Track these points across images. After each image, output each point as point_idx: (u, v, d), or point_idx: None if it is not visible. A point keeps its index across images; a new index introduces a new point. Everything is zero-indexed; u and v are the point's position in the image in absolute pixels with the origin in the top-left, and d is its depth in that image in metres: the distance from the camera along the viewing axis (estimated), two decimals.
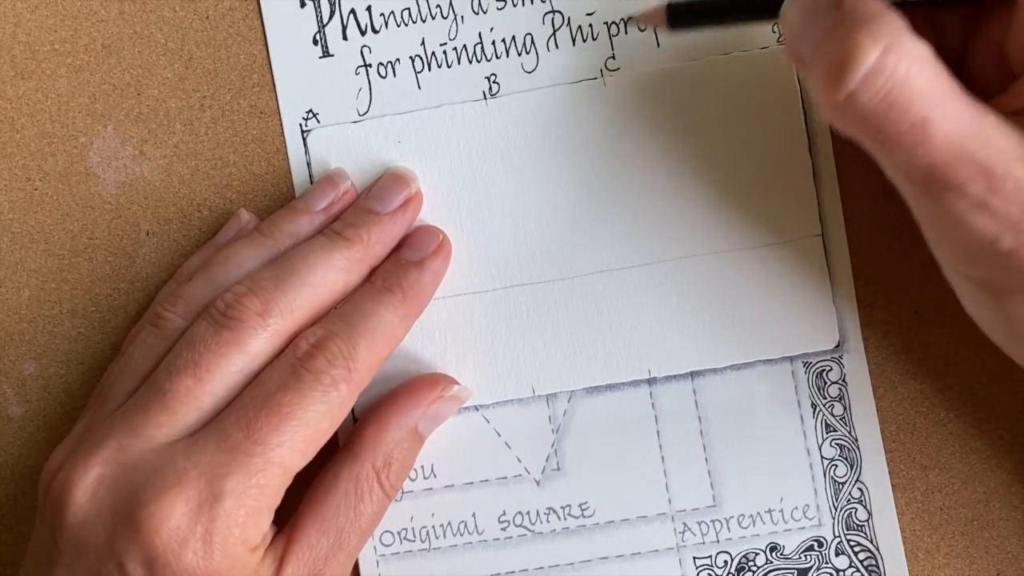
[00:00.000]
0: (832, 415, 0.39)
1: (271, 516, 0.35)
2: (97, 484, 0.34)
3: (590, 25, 0.39)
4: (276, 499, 0.35)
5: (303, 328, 0.36)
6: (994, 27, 0.32)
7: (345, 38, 0.40)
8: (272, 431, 0.34)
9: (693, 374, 0.40)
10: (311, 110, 0.40)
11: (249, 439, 0.34)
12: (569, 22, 0.39)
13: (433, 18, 0.39)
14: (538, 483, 0.40)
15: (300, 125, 0.40)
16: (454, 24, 0.39)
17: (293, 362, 0.35)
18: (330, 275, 0.37)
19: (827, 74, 0.29)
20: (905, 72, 0.28)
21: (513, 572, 0.40)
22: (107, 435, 0.35)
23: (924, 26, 0.32)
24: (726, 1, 0.35)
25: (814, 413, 0.39)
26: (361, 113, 0.40)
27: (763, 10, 0.34)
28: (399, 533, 0.40)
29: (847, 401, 0.39)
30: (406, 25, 0.39)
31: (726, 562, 0.40)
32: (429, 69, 0.40)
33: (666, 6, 0.36)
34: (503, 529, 0.40)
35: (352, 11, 0.39)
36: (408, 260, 0.38)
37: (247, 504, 0.34)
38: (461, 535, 0.40)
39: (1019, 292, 0.30)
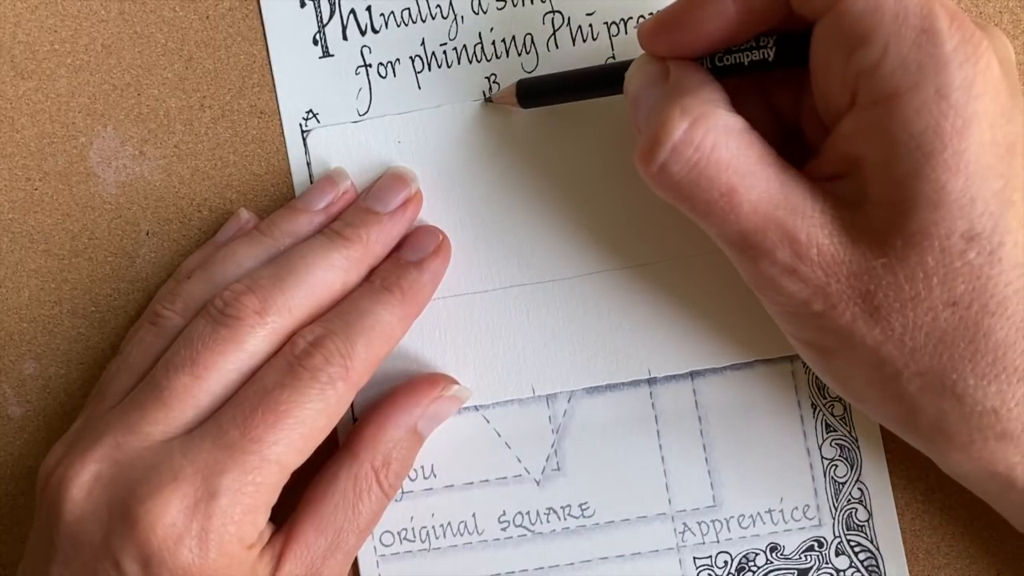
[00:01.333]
0: (832, 415, 0.39)
1: (268, 514, 0.35)
2: (93, 481, 0.34)
3: (590, 25, 0.39)
4: (273, 497, 0.35)
5: (301, 327, 0.36)
6: (809, 89, 0.33)
7: (345, 38, 0.40)
8: (269, 429, 0.34)
9: (693, 374, 0.40)
10: (311, 110, 0.40)
11: (245, 437, 0.34)
12: (569, 22, 0.39)
13: (433, 18, 0.39)
14: (538, 483, 0.40)
15: (300, 125, 0.40)
16: (454, 24, 0.39)
17: (290, 360, 0.35)
18: (329, 274, 0.37)
19: (643, 144, 0.31)
20: (711, 143, 0.30)
21: (513, 572, 0.40)
22: (104, 432, 0.35)
23: (755, 92, 0.34)
24: (572, 79, 0.37)
25: (814, 413, 0.39)
26: (361, 113, 0.40)
27: (608, 85, 0.36)
28: (399, 533, 0.40)
29: (847, 401, 0.39)
30: (406, 25, 0.39)
31: (726, 562, 0.40)
32: (429, 69, 0.40)
33: (516, 85, 0.37)
34: (503, 529, 0.40)
35: (352, 11, 0.39)
36: (407, 260, 0.38)
37: (243, 502, 0.34)
38: (461, 535, 0.40)
39: (838, 353, 0.32)
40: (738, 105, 0.33)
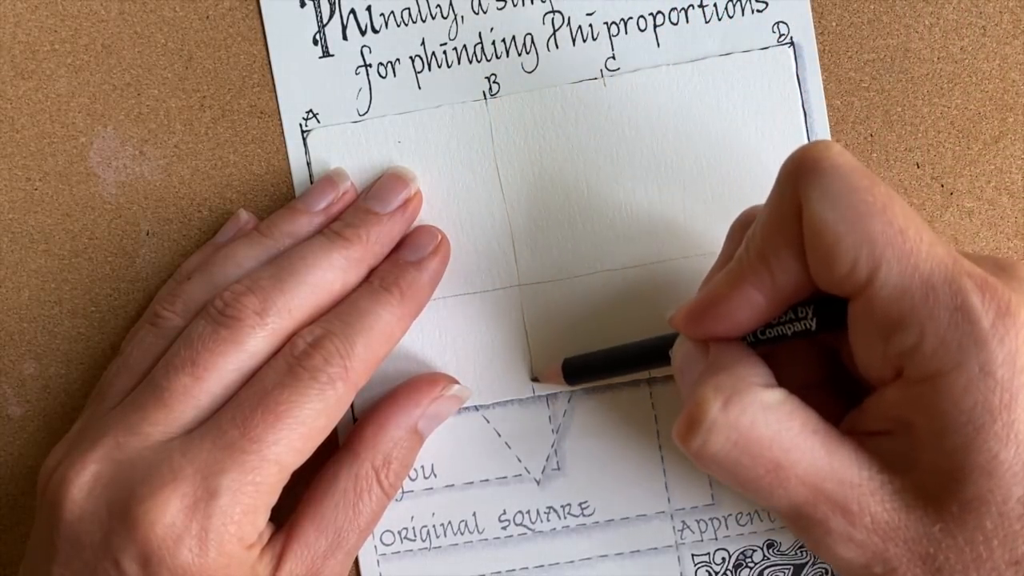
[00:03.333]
0: None
1: (267, 514, 0.35)
2: (94, 481, 0.34)
3: (590, 25, 0.39)
4: (273, 497, 0.35)
5: (301, 327, 0.36)
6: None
7: (345, 38, 0.39)
8: (268, 429, 0.34)
9: None
10: (311, 110, 0.40)
11: (245, 436, 0.34)
12: (569, 22, 0.39)
13: (433, 18, 0.39)
14: (538, 483, 0.40)
15: (300, 125, 0.40)
16: (454, 24, 0.39)
17: (290, 360, 0.35)
18: (329, 275, 0.37)
19: (681, 424, 0.31)
20: (749, 422, 0.30)
21: (513, 571, 0.40)
22: (104, 433, 0.35)
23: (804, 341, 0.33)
24: (617, 357, 0.38)
25: None
26: (361, 113, 0.40)
27: (652, 360, 0.37)
28: (400, 532, 0.40)
29: None
30: (406, 25, 0.39)
31: (724, 559, 0.40)
32: (429, 69, 0.39)
33: (562, 364, 0.38)
34: (503, 528, 0.40)
35: (352, 11, 0.39)
36: (407, 260, 0.38)
37: (243, 501, 0.34)
38: (461, 534, 0.40)
39: None
40: (782, 347, 0.33)
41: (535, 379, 0.40)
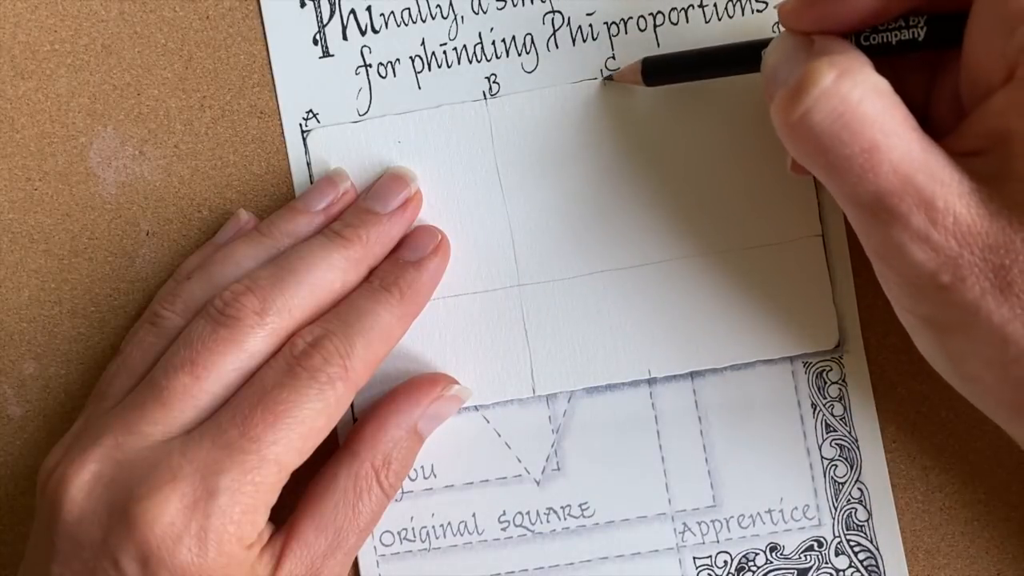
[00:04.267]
0: (832, 415, 0.39)
1: (267, 514, 0.35)
2: (93, 481, 0.34)
3: (590, 25, 0.39)
4: (272, 496, 0.35)
5: (301, 327, 0.36)
6: (950, 74, 0.33)
7: (345, 38, 0.40)
8: (268, 428, 0.34)
9: (693, 374, 0.40)
10: (311, 110, 0.40)
11: (244, 436, 0.34)
12: (569, 22, 0.39)
13: (433, 18, 0.39)
14: (538, 483, 0.40)
15: (300, 125, 0.40)
16: (454, 24, 0.39)
17: (290, 360, 0.35)
18: (328, 275, 0.37)
19: (786, 94, 0.30)
20: (859, 97, 0.29)
21: (513, 572, 0.40)
22: (104, 432, 0.35)
23: (884, 71, 0.32)
24: (702, 56, 0.37)
25: (814, 413, 0.39)
26: (361, 113, 0.40)
27: (739, 63, 0.36)
28: (399, 533, 0.40)
29: (847, 401, 0.39)
30: (406, 25, 0.39)
31: (726, 562, 0.40)
32: (429, 69, 0.40)
33: (641, 62, 0.36)
34: (503, 529, 0.40)
35: (352, 11, 0.39)
36: (406, 260, 0.38)
37: (242, 501, 0.34)
38: (461, 535, 0.40)
39: (959, 330, 0.31)
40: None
41: (609, 78, 0.39)
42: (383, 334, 0.37)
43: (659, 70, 0.38)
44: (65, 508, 0.34)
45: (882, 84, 0.30)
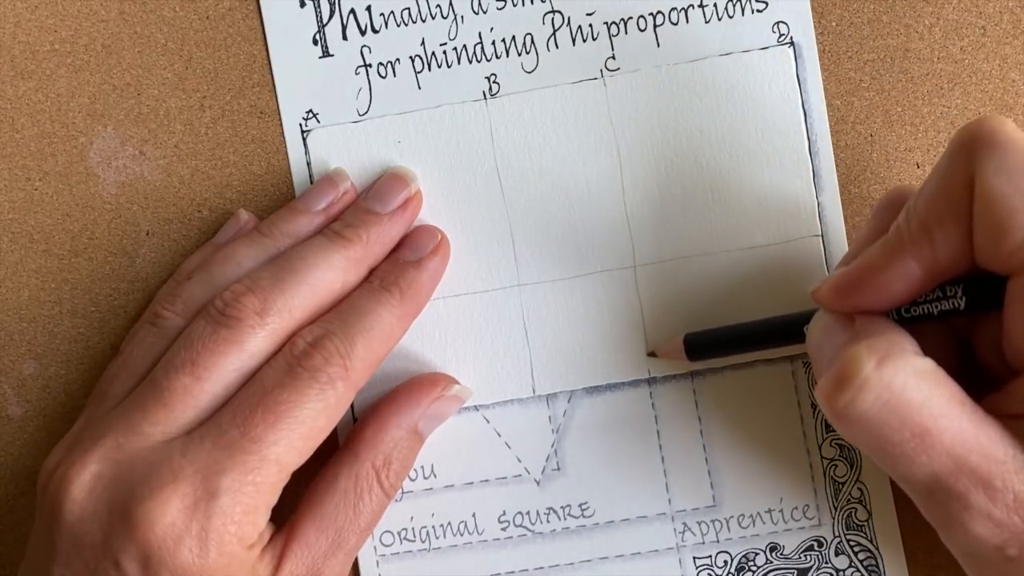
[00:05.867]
0: None
1: (268, 514, 0.35)
2: (94, 481, 0.34)
3: (590, 25, 0.39)
4: (273, 497, 0.35)
5: (301, 327, 0.36)
6: (994, 322, 0.33)
7: (345, 38, 0.39)
8: (268, 428, 0.34)
9: (693, 374, 0.40)
10: (311, 110, 0.40)
11: (245, 436, 0.34)
12: (569, 22, 0.39)
13: (433, 18, 0.39)
14: (538, 483, 0.40)
15: (300, 125, 0.40)
16: (454, 24, 0.39)
17: (290, 360, 0.35)
18: (329, 274, 0.37)
19: (830, 382, 0.30)
20: (902, 384, 0.29)
21: (513, 572, 0.40)
22: (105, 433, 0.35)
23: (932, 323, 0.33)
24: (745, 333, 0.37)
25: (814, 413, 0.39)
26: (361, 113, 0.40)
27: (782, 338, 0.36)
28: (399, 533, 0.40)
29: None
30: (406, 25, 0.39)
31: (726, 562, 0.40)
32: (429, 69, 0.40)
33: (683, 340, 0.38)
34: (503, 529, 0.40)
35: (352, 11, 0.39)
36: (406, 260, 0.38)
37: (243, 501, 0.34)
38: (461, 535, 0.40)
39: None
40: (917, 329, 0.32)
41: (652, 354, 0.39)
42: (383, 334, 0.37)
43: (702, 347, 0.38)
44: (66, 508, 0.34)
45: (923, 365, 0.30)
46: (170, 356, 0.36)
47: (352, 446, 0.38)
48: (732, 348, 0.38)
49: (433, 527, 0.40)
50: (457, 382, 0.39)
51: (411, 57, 0.40)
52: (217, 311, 0.36)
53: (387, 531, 0.40)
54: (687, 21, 0.39)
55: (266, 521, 0.35)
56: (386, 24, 0.39)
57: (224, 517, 0.33)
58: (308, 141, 0.40)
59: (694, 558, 0.40)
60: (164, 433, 0.35)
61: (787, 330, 0.36)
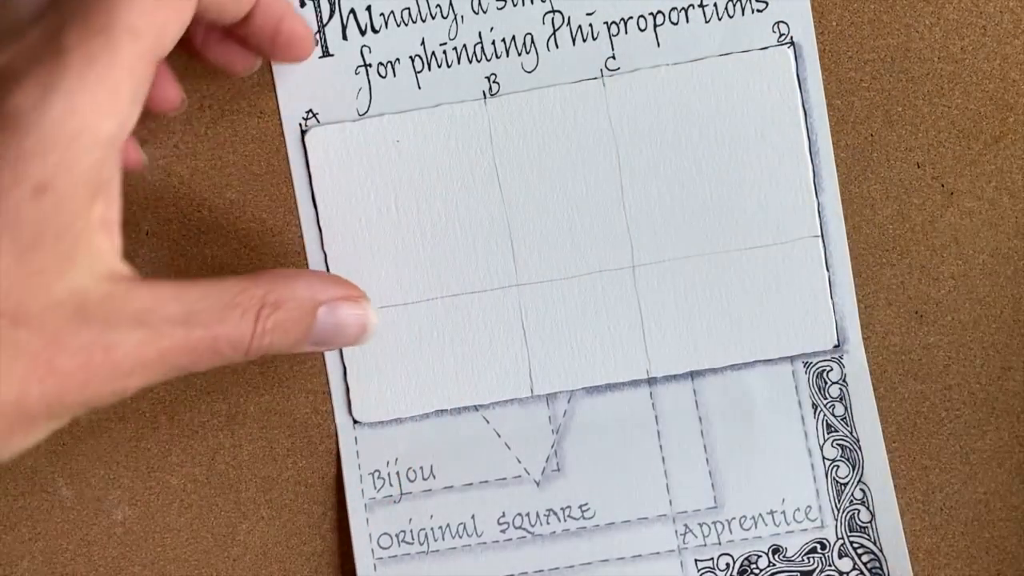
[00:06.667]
0: (833, 415, 0.39)
1: (132, 115, 0.30)
2: None
3: (590, 25, 0.39)
4: (134, 84, 0.30)
5: None
6: None
7: (345, 38, 0.40)
8: None
9: (693, 374, 0.40)
10: (311, 110, 0.40)
11: None
12: (569, 22, 0.39)
13: (433, 18, 0.39)
14: (538, 484, 0.40)
15: (300, 125, 0.40)
16: (454, 24, 0.39)
17: None
18: None
19: None
20: None
21: (512, 575, 0.40)
22: None
23: None
24: None
25: (815, 413, 0.39)
26: (361, 113, 0.40)
27: None
28: (397, 535, 0.40)
29: (848, 401, 0.39)
30: (406, 25, 0.40)
31: (728, 564, 0.40)
32: (429, 69, 0.40)
33: None
34: (502, 531, 0.40)
35: (352, 11, 0.39)
36: None
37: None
38: (460, 537, 0.40)
39: None
40: None
41: None
42: None
43: None
44: None
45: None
46: None
47: (260, 274, 0.34)
48: None
49: (432, 529, 0.40)
50: (372, 315, 0.36)
51: (411, 57, 0.40)
52: None
53: (385, 533, 0.40)
54: (687, 21, 0.39)
55: (129, 124, 0.30)
56: (386, 24, 0.39)
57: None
58: (307, 141, 0.40)
59: (695, 560, 0.40)
60: None
61: None
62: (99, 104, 0.29)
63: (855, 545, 0.39)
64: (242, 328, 0.32)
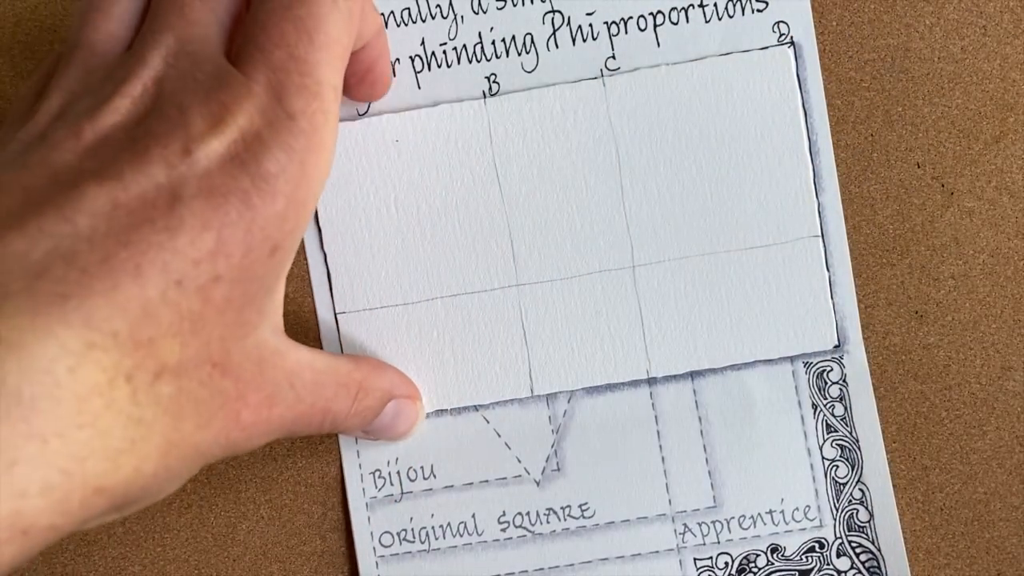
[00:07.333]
0: (833, 415, 0.39)
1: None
2: None
3: (590, 25, 0.39)
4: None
5: None
6: None
7: None
8: (310, 48, 0.30)
9: (693, 374, 0.40)
10: None
11: (292, 58, 0.30)
12: (569, 22, 0.39)
13: (433, 18, 0.39)
14: (538, 483, 0.40)
15: None
16: (454, 24, 0.39)
17: None
18: None
19: None
20: None
21: (513, 573, 0.40)
22: None
23: None
24: None
25: (815, 413, 0.39)
26: (360, 112, 0.40)
27: None
28: (398, 534, 0.40)
29: (848, 401, 0.39)
30: (406, 25, 0.39)
31: (727, 563, 0.40)
32: (429, 69, 0.40)
33: None
34: (503, 530, 0.40)
35: None
36: None
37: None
38: (460, 536, 0.40)
39: None
40: None
41: None
42: None
43: None
44: None
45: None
46: None
47: (359, 359, 0.37)
48: None
49: (432, 528, 0.40)
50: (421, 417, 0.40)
51: (411, 56, 0.40)
52: None
53: (386, 532, 0.40)
54: (687, 21, 0.39)
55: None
56: (386, 24, 0.39)
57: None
58: None
59: (695, 559, 0.40)
60: None
61: None
62: (322, 169, 0.30)
63: (853, 544, 0.40)
64: (343, 406, 0.35)
